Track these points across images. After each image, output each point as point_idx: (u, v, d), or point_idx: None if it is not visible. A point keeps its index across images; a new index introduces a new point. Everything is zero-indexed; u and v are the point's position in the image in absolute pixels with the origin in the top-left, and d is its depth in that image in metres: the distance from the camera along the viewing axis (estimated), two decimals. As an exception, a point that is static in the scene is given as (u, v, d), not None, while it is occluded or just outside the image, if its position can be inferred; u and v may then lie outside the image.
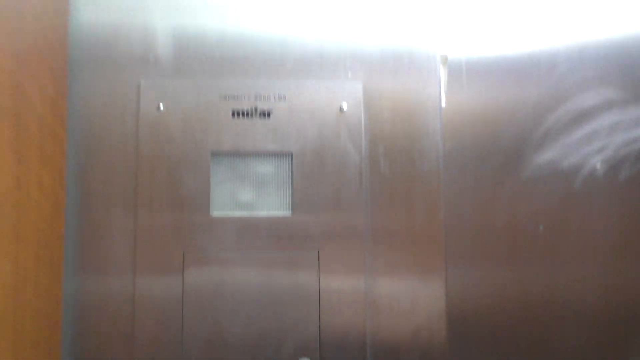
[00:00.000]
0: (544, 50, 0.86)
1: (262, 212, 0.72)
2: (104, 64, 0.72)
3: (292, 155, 0.72)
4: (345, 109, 0.73)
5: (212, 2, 0.74)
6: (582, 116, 0.88)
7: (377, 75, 0.74)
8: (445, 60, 0.83)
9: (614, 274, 0.85)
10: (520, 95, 0.83)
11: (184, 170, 0.71)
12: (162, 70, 0.72)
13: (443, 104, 0.79)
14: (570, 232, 0.86)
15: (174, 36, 0.73)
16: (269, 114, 0.72)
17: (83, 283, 0.70)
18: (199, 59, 0.73)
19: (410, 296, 0.73)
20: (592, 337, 0.84)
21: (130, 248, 0.70)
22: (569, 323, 0.84)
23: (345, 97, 0.73)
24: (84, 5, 0.72)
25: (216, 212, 0.71)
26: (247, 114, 0.72)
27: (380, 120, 0.74)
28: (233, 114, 0.72)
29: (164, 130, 0.71)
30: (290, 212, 0.72)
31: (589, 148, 0.87)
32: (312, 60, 0.74)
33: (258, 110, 0.72)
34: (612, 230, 0.86)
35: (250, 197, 0.72)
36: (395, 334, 0.72)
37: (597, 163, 0.87)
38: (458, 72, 0.85)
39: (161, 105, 0.71)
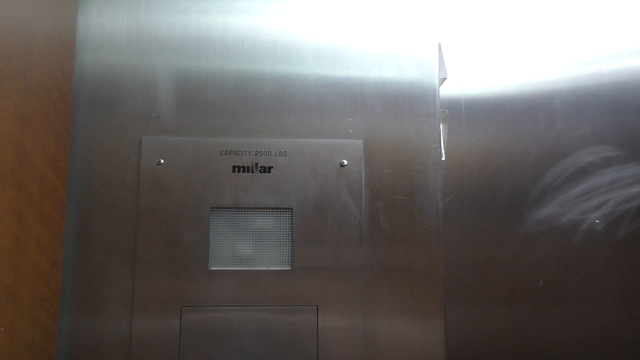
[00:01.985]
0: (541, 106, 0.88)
1: (261, 267, 0.71)
2: (106, 122, 0.73)
3: (292, 210, 0.72)
4: (345, 164, 0.74)
5: (215, 57, 0.75)
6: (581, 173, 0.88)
7: (378, 131, 0.75)
8: (445, 117, 0.84)
9: (612, 328, 0.84)
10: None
11: (183, 224, 0.71)
12: (163, 127, 0.74)
13: (443, 158, 0.80)
14: (570, 286, 0.85)
15: (176, 90, 0.74)
16: (269, 170, 0.73)
17: (79, 340, 0.69)
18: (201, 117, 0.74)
19: (410, 349, 0.72)
20: None
21: (128, 303, 0.70)
22: None
23: (346, 153, 0.74)
24: (89, 61, 0.74)
25: (215, 267, 0.71)
26: (248, 170, 0.73)
27: (380, 176, 0.75)
28: (234, 169, 0.73)
29: (164, 184, 0.72)
30: (290, 266, 0.71)
31: (588, 204, 0.88)
32: (314, 115, 0.75)
33: (259, 165, 0.73)
34: (611, 285, 0.86)
35: (249, 251, 0.72)
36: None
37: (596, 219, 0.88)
38: (458, 122, 0.87)
39: (162, 160, 0.72)
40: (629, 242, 0.86)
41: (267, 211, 0.73)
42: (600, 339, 0.83)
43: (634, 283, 0.85)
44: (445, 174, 0.84)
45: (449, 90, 0.88)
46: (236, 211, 0.72)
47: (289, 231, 0.72)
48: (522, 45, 0.89)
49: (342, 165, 0.74)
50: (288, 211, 0.73)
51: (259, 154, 0.73)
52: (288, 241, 0.72)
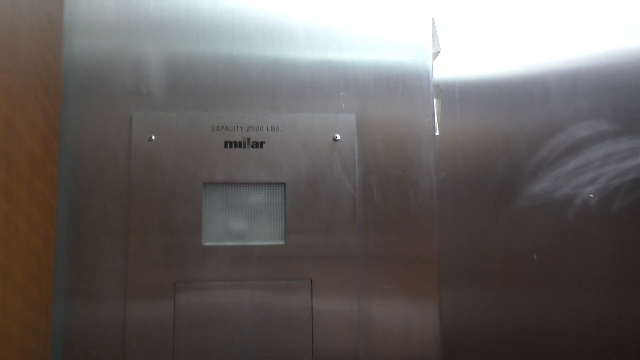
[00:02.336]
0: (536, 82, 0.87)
1: (255, 242, 0.71)
2: (96, 97, 0.72)
3: (284, 185, 0.72)
4: (338, 138, 0.73)
5: (205, 36, 0.74)
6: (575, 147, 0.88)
7: (371, 105, 0.75)
8: (439, 91, 0.84)
9: (606, 302, 0.85)
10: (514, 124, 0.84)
11: (176, 200, 0.71)
12: (154, 104, 0.73)
13: (437, 133, 0.80)
14: (563, 261, 0.86)
15: (166, 68, 0.73)
16: (261, 145, 0.72)
17: (73, 318, 0.69)
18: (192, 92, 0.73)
19: (404, 321, 0.72)
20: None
21: (121, 278, 0.70)
22: (562, 350, 0.83)
23: (338, 128, 0.73)
24: (77, 40, 0.73)
25: (208, 242, 0.71)
26: (240, 145, 0.72)
27: (374, 151, 0.74)
28: (225, 145, 0.72)
29: (156, 161, 0.71)
30: (283, 241, 0.71)
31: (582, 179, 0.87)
32: (306, 91, 0.74)
33: (251, 141, 0.72)
34: (605, 260, 0.86)
35: (242, 226, 0.72)
36: (389, 358, 0.72)
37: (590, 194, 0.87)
38: (451, 100, 0.86)
39: (153, 136, 0.71)
40: (622, 216, 0.86)
41: (259, 186, 0.72)
42: (594, 312, 0.84)
43: (627, 257, 0.85)
44: (439, 151, 0.84)
45: (443, 71, 0.87)
46: (229, 187, 0.72)
47: (282, 206, 0.72)
48: (516, 26, 0.88)
49: (335, 139, 0.73)
50: (281, 186, 0.72)
51: (250, 129, 0.72)
52: (281, 216, 0.72)
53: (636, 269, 0.84)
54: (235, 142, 0.72)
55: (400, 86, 0.75)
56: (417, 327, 0.72)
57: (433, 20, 0.80)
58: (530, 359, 0.81)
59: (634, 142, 0.87)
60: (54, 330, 0.69)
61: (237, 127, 0.72)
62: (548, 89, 0.86)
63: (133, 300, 0.69)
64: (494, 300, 0.82)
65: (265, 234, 0.72)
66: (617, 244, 0.85)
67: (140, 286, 0.69)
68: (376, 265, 0.73)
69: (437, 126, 0.81)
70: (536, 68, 0.87)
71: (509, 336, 0.82)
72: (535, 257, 0.84)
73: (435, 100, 0.79)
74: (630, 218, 0.86)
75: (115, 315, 0.69)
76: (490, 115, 0.85)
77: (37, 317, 0.65)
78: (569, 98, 0.87)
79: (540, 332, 0.82)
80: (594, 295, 0.83)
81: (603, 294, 0.83)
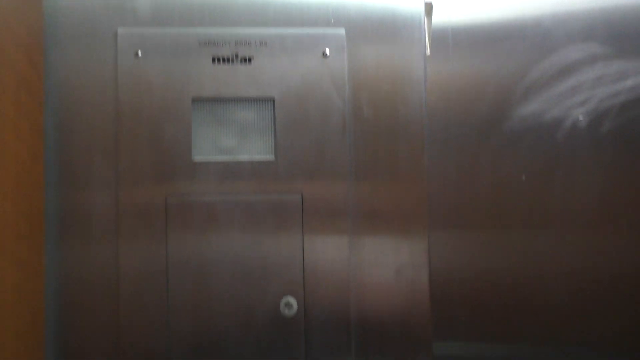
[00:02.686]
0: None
1: (245, 157, 0.71)
2: (80, 13, 0.71)
3: (274, 101, 0.72)
4: (328, 54, 0.72)
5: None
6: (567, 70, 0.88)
7: (361, 20, 0.74)
8: (430, 9, 0.82)
9: (597, 232, 0.86)
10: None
11: (165, 117, 0.70)
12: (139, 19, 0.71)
13: (427, 52, 0.79)
14: (552, 180, 0.86)
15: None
16: (250, 60, 0.72)
17: (67, 218, 0.69)
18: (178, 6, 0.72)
19: (393, 242, 0.73)
20: (578, 303, 0.85)
21: (113, 192, 0.70)
22: (554, 288, 0.85)
23: (328, 43, 0.72)
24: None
25: (198, 157, 0.71)
26: (228, 60, 0.71)
27: (364, 66, 0.74)
28: (213, 60, 0.71)
29: (143, 77, 0.70)
30: (273, 156, 0.71)
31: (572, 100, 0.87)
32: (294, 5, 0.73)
33: (239, 56, 0.72)
34: (593, 178, 0.87)
35: (232, 142, 0.72)
36: (378, 273, 0.73)
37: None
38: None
39: (139, 52, 0.70)
40: (611, 138, 0.87)
41: (248, 102, 0.72)
42: (580, 233, 0.85)
43: (614, 177, 0.86)
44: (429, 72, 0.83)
45: None
46: (218, 102, 0.72)
47: (271, 122, 0.72)
48: None
49: (324, 55, 0.72)
50: (270, 102, 0.72)
51: (238, 44, 0.71)
52: (271, 132, 0.72)
53: (622, 187, 0.85)
54: (223, 58, 0.71)
55: (391, 2, 0.74)
56: (407, 242, 0.73)
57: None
58: (518, 291, 0.83)
59: (625, 64, 0.87)
60: (49, 230, 0.69)
61: (224, 42, 0.71)
62: (542, 12, 0.85)
63: (125, 214, 0.69)
64: (481, 215, 0.83)
65: (255, 150, 0.72)
66: (604, 163, 0.86)
67: (131, 200, 0.70)
68: (365, 179, 0.73)
69: (428, 46, 0.80)
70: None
71: (496, 265, 0.83)
72: (523, 177, 0.84)
73: (425, 19, 0.78)
74: (618, 139, 0.86)
75: (108, 226, 0.70)
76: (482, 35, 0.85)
77: (31, 228, 0.65)
78: (561, 22, 0.86)
79: (529, 263, 0.83)
80: (581, 214, 0.85)
81: (590, 214, 0.85)
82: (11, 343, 0.59)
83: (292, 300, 0.70)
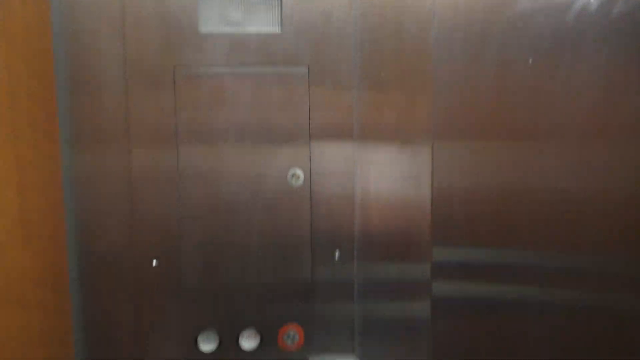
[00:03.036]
0: None
1: (251, 28, 0.71)
2: None
3: (280, -28, 0.71)
4: None
5: None
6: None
7: None
8: None
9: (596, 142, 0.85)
10: None
11: (170, -13, 0.70)
12: None
13: None
14: (559, 64, 0.86)
15: None
16: None
17: (78, 119, 0.71)
18: None
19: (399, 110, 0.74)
20: (579, 222, 0.86)
21: (120, 65, 0.71)
22: (550, 197, 0.86)
23: None
24: None
25: (205, 29, 0.71)
26: None
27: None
28: None
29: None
30: (280, 29, 0.71)
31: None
32: None
33: None
34: (598, 62, 0.86)
35: (239, 14, 0.71)
36: (383, 150, 0.75)
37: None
38: None
39: None
40: (621, 20, 0.86)
41: (254, -28, 0.71)
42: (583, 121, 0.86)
43: (619, 64, 0.86)
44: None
45: None
46: (223, -28, 0.71)
47: (277, -7, 0.71)
48: None
49: None
50: (276, -28, 0.71)
51: None
52: (278, 4, 0.71)
53: (629, 69, 0.85)
54: None
55: None
56: (410, 121, 0.75)
57: None
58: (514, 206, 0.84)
59: (642, -57, 0.84)
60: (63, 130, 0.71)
61: None
62: None
63: (134, 87, 0.71)
64: (486, 103, 0.83)
65: (262, 22, 0.72)
66: (613, 46, 0.85)
67: (139, 71, 0.70)
68: (372, 53, 0.73)
69: None
70: None
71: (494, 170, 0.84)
72: (530, 61, 0.84)
73: None
74: (628, 21, 0.85)
75: (118, 103, 0.71)
76: None
77: (50, 125, 0.67)
78: None
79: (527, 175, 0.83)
80: (584, 99, 0.85)
81: (592, 94, 0.85)
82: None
83: (299, 172, 0.73)
